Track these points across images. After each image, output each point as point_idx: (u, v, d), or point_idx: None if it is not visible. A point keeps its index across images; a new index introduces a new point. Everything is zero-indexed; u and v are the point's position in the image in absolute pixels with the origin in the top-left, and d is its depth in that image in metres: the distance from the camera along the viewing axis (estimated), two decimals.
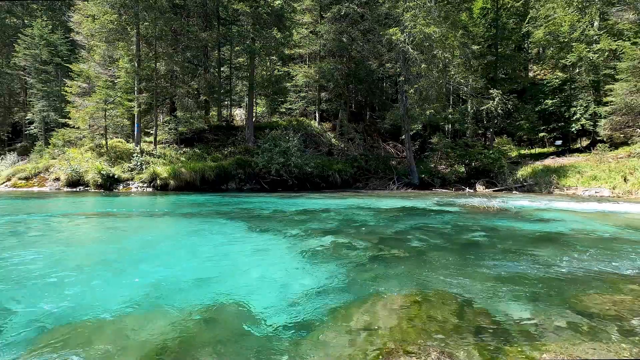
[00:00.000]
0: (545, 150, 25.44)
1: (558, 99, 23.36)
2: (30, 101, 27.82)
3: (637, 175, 15.39)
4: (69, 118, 20.33)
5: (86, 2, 20.85)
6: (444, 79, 21.49)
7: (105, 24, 18.49)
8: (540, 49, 30.37)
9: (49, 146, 22.45)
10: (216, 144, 21.76)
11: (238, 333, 3.17)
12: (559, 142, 24.27)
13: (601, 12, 21.72)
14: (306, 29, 25.88)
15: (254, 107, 24.83)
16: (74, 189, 16.85)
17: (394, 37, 19.23)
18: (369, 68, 24.86)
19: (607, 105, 19.15)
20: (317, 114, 26.45)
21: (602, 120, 20.23)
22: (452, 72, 22.26)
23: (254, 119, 23.42)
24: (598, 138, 21.37)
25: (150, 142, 19.99)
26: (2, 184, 18.01)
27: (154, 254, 5.99)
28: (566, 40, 21.83)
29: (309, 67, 25.00)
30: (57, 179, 17.60)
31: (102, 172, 16.94)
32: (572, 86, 22.81)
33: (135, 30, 18.81)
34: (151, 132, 20.54)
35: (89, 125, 20.20)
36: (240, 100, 28.65)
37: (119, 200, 13.61)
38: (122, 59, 18.99)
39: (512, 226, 8.41)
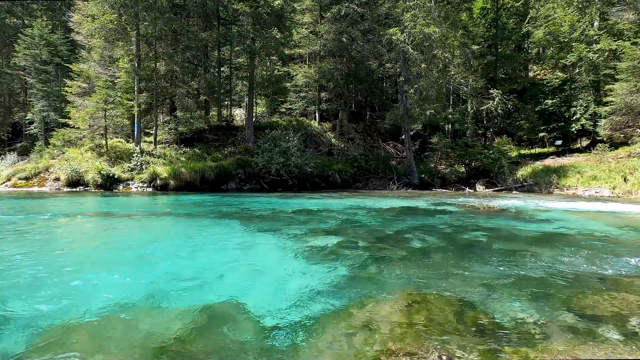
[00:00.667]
0: (545, 150, 25.43)
1: (558, 99, 23.35)
2: (30, 101, 27.82)
3: (637, 175, 15.38)
4: (69, 118, 20.34)
5: (86, 2, 20.83)
6: (444, 79, 21.49)
7: (105, 24, 18.48)
8: (540, 49, 30.37)
9: (49, 146, 22.44)
10: (216, 144, 21.75)
11: (237, 333, 3.17)
12: (559, 142, 24.26)
13: (601, 12, 21.72)
14: (306, 29, 25.87)
15: (254, 107, 24.83)
16: (74, 189, 16.84)
17: (394, 37, 19.23)
18: (369, 68, 24.83)
19: (607, 105, 19.15)
20: (317, 114, 26.44)
21: (602, 120, 20.23)
22: (452, 72, 22.26)
23: (254, 119, 23.42)
24: (598, 138, 21.36)
25: (150, 142, 19.98)
26: (2, 184, 18.01)
27: (153, 254, 5.99)
28: (566, 40, 21.83)
29: (309, 67, 24.99)
30: (57, 179, 17.59)
31: (102, 172, 16.93)
32: (572, 86, 22.81)
33: (135, 30, 18.80)
34: (151, 132, 20.53)
35: (89, 125, 20.19)
36: (240, 100, 28.64)
37: (119, 200, 13.60)
38: (122, 59, 18.97)
39: (512, 226, 8.41)
